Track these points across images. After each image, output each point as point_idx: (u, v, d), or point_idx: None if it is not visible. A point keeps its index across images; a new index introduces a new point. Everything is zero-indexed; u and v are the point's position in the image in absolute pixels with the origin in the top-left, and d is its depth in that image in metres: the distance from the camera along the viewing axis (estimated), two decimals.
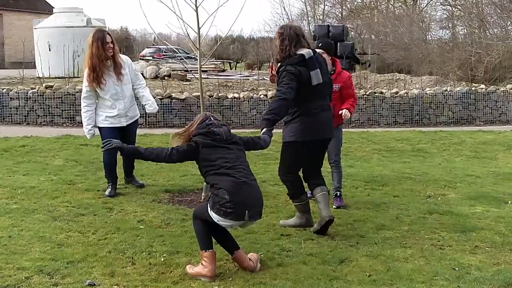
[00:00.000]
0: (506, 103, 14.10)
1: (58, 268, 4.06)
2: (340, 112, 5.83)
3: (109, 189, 6.18)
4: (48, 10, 36.67)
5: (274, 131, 4.86)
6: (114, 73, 6.02)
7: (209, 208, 4.01)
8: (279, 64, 4.97)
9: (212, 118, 4.31)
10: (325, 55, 5.56)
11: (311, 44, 5.18)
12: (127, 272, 4.03)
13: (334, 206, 5.88)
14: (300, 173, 5.28)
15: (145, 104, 6.39)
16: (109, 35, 5.99)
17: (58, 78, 18.56)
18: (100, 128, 6.19)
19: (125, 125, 6.21)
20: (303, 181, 5.24)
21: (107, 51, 5.91)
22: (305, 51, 4.88)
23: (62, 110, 12.53)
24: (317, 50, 5.26)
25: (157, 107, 6.53)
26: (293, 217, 5.26)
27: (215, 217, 3.98)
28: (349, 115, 5.93)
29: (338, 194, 6.04)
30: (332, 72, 5.88)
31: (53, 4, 41.63)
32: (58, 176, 7.04)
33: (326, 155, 5.58)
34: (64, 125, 12.33)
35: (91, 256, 4.31)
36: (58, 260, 4.20)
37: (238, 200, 3.94)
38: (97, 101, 6.18)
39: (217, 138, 4.20)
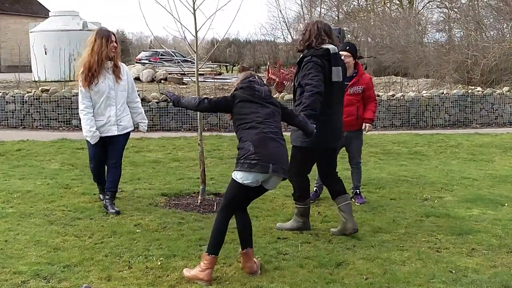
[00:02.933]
0: (503, 105, 14.14)
1: (55, 272, 4.04)
2: (364, 126, 6.22)
3: (110, 206, 5.66)
4: (44, 13, 36.67)
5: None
6: (112, 75, 5.56)
7: (234, 174, 4.03)
8: (301, 55, 4.99)
9: (256, 77, 4.35)
10: (349, 59, 5.65)
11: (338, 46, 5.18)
12: (124, 276, 4.01)
13: (357, 203, 6.07)
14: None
15: (140, 122, 5.94)
16: (114, 35, 5.67)
17: (54, 81, 18.55)
18: (86, 141, 5.69)
19: (116, 133, 5.63)
20: (323, 184, 5.25)
21: (111, 50, 5.51)
22: (330, 46, 4.89)
23: (58, 114, 12.52)
24: (342, 53, 5.28)
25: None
26: (290, 220, 5.25)
27: (240, 176, 3.99)
28: (371, 128, 6.35)
29: (358, 192, 6.32)
30: (354, 74, 6.12)
31: (49, 7, 41.63)
32: (54, 180, 7.02)
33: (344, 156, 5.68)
34: (60, 128, 12.31)
35: (88, 260, 4.30)
36: (55, 264, 4.19)
37: (263, 152, 3.97)
38: None
39: (256, 94, 4.20)
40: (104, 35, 5.50)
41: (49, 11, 29.20)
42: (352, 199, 6.08)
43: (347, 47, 6.00)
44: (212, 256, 4.02)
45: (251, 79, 4.27)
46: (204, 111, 4.36)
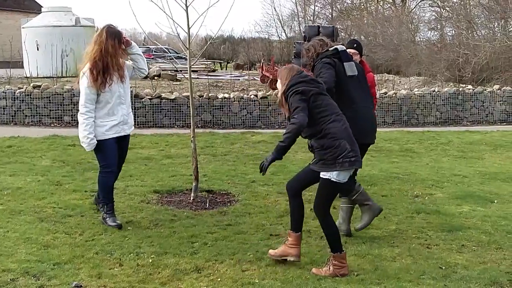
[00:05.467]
0: (493, 103, 14.22)
1: (44, 270, 4.03)
2: None
3: (111, 218, 5.14)
4: (36, 9, 36.42)
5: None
6: (118, 74, 5.13)
7: (329, 174, 4.01)
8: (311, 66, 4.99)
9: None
10: (356, 57, 5.67)
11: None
12: (115, 274, 4.01)
13: None
14: None
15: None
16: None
17: (46, 77, 18.45)
18: (102, 142, 5.09)
19: (128, 132, 5.31)
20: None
21: (122, 51, 5.17)
22: (338, 45, 4.94)
23: (50, 110, 12.45)
24: (349, 51, 5.29)
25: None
26: (362, 217, 5.10)
27: (336, 175, 4.00)
28: None
29: None
30: None
31: (42, 3, 41.32)
32: (45, 177, 6.99)
33: None
34: (52, 125, 12.25)
35: (78, 257, 4.28)
36: (45, 262, 4.17)
37: (355, 148, 4.06)
38: None
39: (320, 86, 4.20)
40: (115, 35, 5.06)
41: (41, 6, 28.99)
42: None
43: (355, 45, 5.98)
44: (298, 233, 4.24)
45: (305, 74, 4.24)
46: (304, 124, 3.98)
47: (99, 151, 5.12)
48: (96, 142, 5.06)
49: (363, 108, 4.95)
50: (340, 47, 4.93)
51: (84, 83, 5.00)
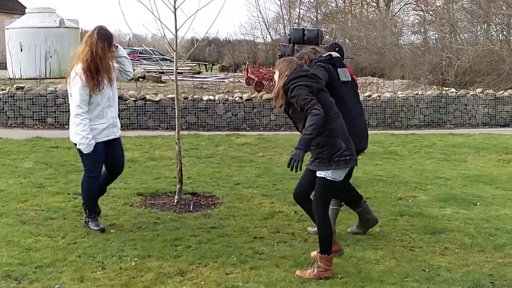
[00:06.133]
0: (476, 106, 14.37)
1: (26, 273, 3.98)
2: None
3: (94, 222, 5.09)
4: (20, 10, 36.09)
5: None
6: (107, 76, 5.02)
7: (324, 173, 4.01)
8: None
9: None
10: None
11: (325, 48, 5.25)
12: (97, 277, 3.97)
13: None
14: None
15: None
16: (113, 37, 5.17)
17: (30, 79, 18.26)
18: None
19: (118, 135, 5.18)
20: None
21: (112, 54, 5.06)
22: (332, 52, 4.98)
23: (33, 112, 12.33)
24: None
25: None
26: (358, 223, 5.18)
27: (331, 173, 4.01)
28: None
29: None
30: None
31: (26, 4, 40.95)
32: (28, 179, 6.91)
33: None
34: (35, 127, 12.13)
35: (60, 260, 4.24)
36: (26, 265, 4.12)
37: (350, 146, 4.07)
38: None
39: (321, 82, 4.16)
40: (106, 38, 4.96)
41: (25, 7, 28.71)
42: None
43: (336, 48, 5.99)
44: (330, 255, 4.12)
45: (306, 68, 4.22)
46: (323, 115, 3.93)
47: (86, 154, 4.98)
48: (94, 142, 4.91)
49: (357, 114, 5.00)
50: (334, 54, 4.98)
51: (77, 84, 4.86)
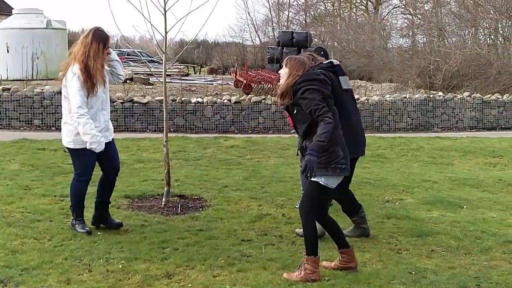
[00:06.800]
0: (463, 110, 14.49)
1: (12, 276, 3.95)
2: None
3: (81, 225, 5.05)
4: (7, 11, 35.77)
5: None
6: (101, 79, 4.93)
7: (320, 178, 4.02)
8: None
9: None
10: None
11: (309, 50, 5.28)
12: (84, 280, 3.95)
13: None
14: None
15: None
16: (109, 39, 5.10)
17: (16, 80, 18.13)
18: (79, 150, 4.88)
19: (110, 139, 5.09)
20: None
21: (105, 56, 4.97)
22: (333, 59, 5.02)
23: (20, 113, 12.23)
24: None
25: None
26: (351, 228, 5.22)
27: (325, 179, 4.02)
28: None
29: None
30: None
31: (13, 5, 40.59)
32: (14, 181, 6.85)
33: None
34: (21, 128, 12.04)
35: (47, 263, 4.21)
36: (12, 267, 4.09)
37: (346, 155, 4.11)
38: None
39: (329, 88, 4.17)
40: (101, 39, 4.89)
41: (12, 8, 28.48)
42: None
43: (321, 52, 6.01)
44: (316, 256, 4.11)
45: (317, 70, 4.25)
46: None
47: (79, 158, 4.93)
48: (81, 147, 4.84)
49: (357, 121, 5.07)
50: (335, 61, 5.00)
51: (76, 85, 4.77)
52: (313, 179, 4.04)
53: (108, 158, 5.07)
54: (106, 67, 5.10)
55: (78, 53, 4.86)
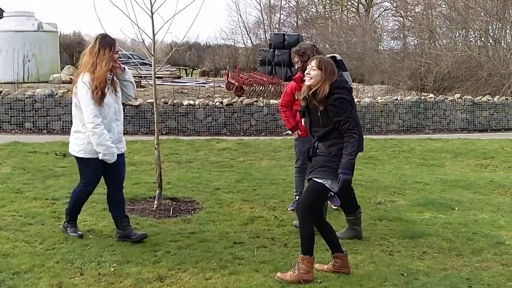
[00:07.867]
0: (454, 112, 14.58)
1: (3, 280, 3.93)
2: None
3: (73, 228, 5.02)
4: None
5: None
6: (111, 87, 4.84)
7: (325, 181, 4.09)
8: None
9: None
10: None
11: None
12: (75, 283, 3.93)
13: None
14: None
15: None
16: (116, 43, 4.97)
17: (7, 83, 18.03)
18: (93, 159, 4.77)
19: (122, 151, 4.98)
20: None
21: (113, 60, 4.82)
22: (335, 54, 5.00)
23: (11, 116, 12.18)
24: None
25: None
26: (344, 229, 5.23)
27: (333, 185, 4.09)
28: None
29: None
30: None
31: (4, 7, 40.40)
32: (5, 185, 6.81)
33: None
34: (13, 131, 11.98)
35: (38, 266, 4.19)
36: (3, 271, 4.07)
37: (354, 163, 4.17)
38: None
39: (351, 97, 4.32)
40: (107, 44, 4.78)
41: (3, 11, 28.33)
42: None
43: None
44: (312, 257, 4.14)
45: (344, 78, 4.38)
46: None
47: (87, 167, 4.84)
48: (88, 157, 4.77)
49: (357, 118, 5.11)
50: (338, 56, 4.99)
51: (88, 94, 4.67)
52: (319, 180, 4.12)
53: (114, 169, 4.92)
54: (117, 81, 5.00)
55: (88, 63, 4.77)
